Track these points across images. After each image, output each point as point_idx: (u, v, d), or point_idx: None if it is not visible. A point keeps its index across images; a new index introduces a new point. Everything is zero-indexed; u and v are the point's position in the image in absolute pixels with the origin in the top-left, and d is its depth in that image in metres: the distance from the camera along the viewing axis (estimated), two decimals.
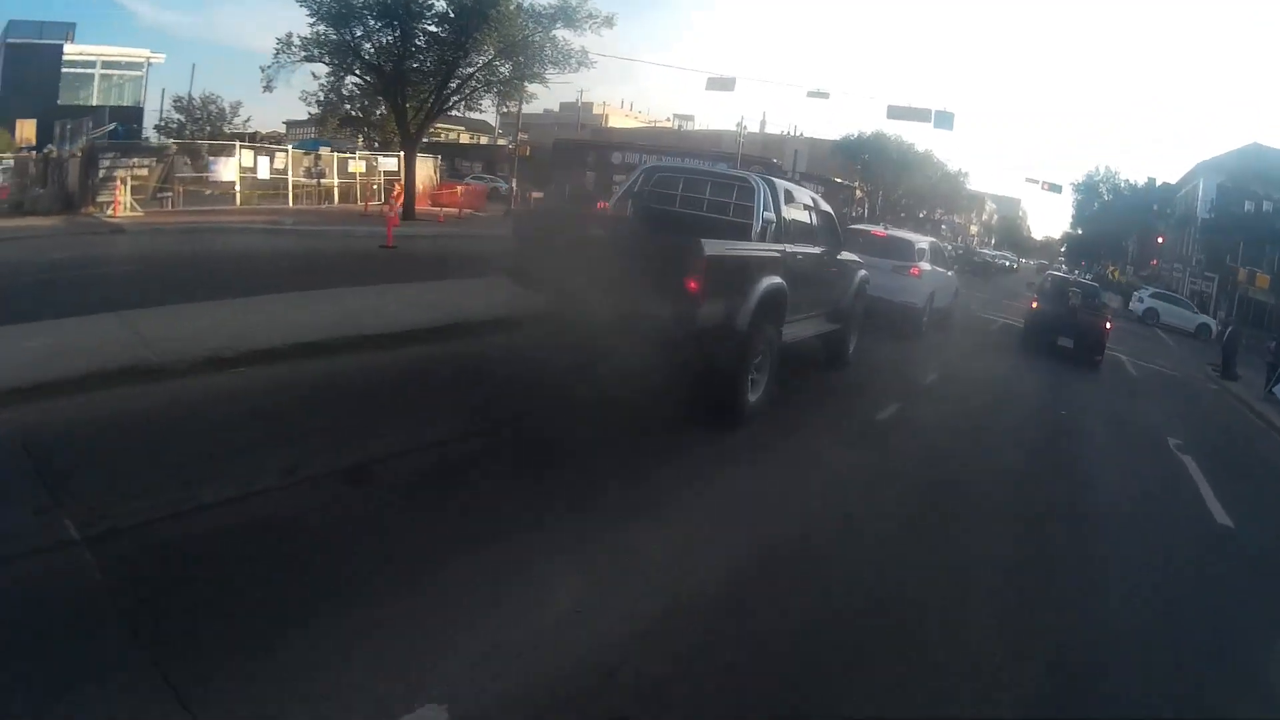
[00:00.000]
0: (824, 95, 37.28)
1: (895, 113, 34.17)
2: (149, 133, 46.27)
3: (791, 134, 67.74)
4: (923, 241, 18.84)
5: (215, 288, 12.08)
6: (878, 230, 18.84)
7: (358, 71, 32.77)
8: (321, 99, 35.03)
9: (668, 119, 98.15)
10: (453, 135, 77.22)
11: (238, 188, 32.81)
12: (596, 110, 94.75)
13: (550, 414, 8.41)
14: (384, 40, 31.23)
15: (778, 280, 8.80)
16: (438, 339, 10.69)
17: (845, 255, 12.14)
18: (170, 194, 30.14)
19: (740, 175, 10.31)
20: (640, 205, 10.54)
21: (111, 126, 37.08)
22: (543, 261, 8.70)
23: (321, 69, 32.47)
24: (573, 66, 33.67)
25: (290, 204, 34.75)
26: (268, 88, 32.50)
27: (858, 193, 75.47)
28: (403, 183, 34.55)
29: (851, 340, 13.01)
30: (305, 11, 29.59)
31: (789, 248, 9.43)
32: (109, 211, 26.73)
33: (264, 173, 35.44)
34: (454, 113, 37.44)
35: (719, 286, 7.74)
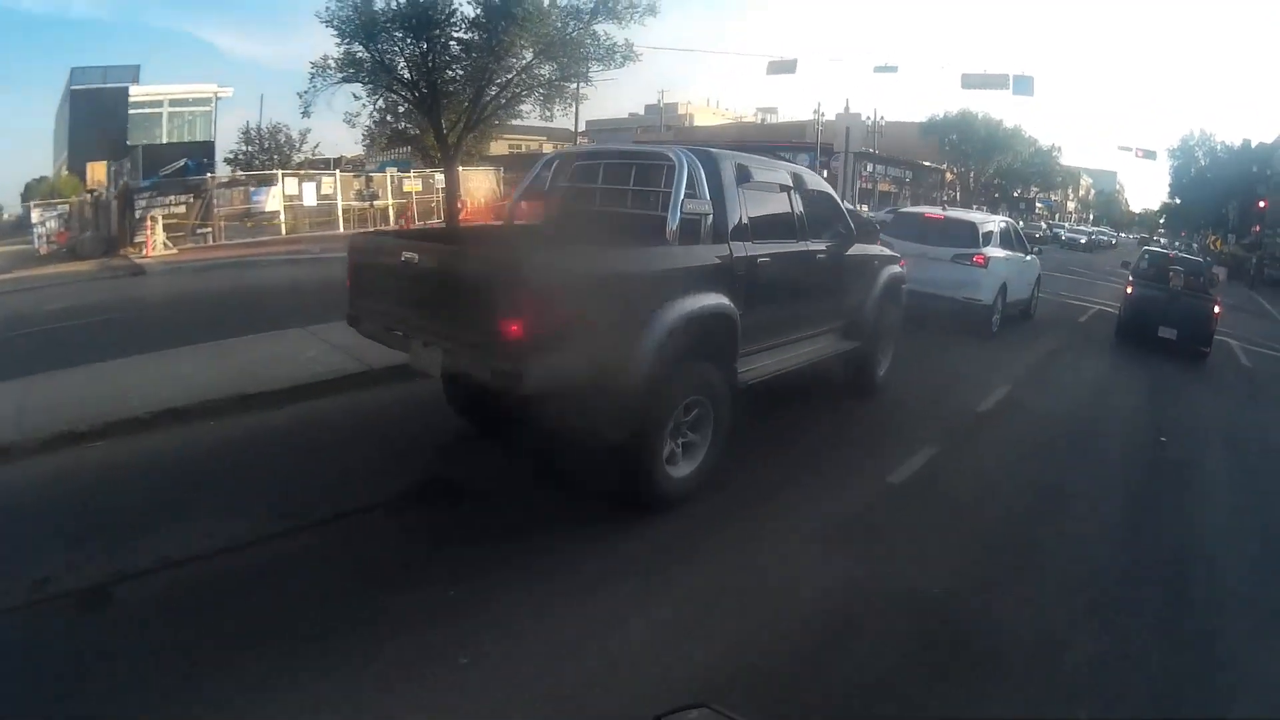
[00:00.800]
0: (892, 69, 33.84)
1: (970, 82, 30.82)
2: (221, 166, 46.08)
3: (873, 118, 64.22)
4: (990, 223, 15.54)
5: (157, 338, 10.86)
6: (932, 212, 15.73)
7: (393, 88, 31.36)
8: (365, 120, 34.08)
9: (754, 113, 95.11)
10: (534, 145, 75.61)
11: (282, 217, 31.73)
12: (682, 110, 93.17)
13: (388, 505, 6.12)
14: (415, 52, 29.68)
15: (716, 300, 6.18)
16: (341, 390, 8.83)
17: (864, 249, 9.19)
18: (209, 229, 29.22)
19: (656, 152, 7.43)
20: (553, 205, 8.09)
21: (181, 163, 36.60)
22: (369, 300, 6.32)
23: (361, 89, 31.02)
24: (617, 62, 31.78)
25: (341, 229, 33.37)
26: (305, 113, 31.85)
27: (948, 175, 71.62)
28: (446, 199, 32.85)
29: (882, 360, 10.09)
30: (332, 31, 28.24)
31: (748, 247, 6.73)
32: (143, 252, 26.29)
33: (310, 199, 34.70)
34: (516, 120, 35.67)
35: (572, 324, 5.12)
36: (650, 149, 8.60)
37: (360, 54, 29.10)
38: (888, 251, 10.11)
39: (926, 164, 68.03)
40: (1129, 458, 9.10)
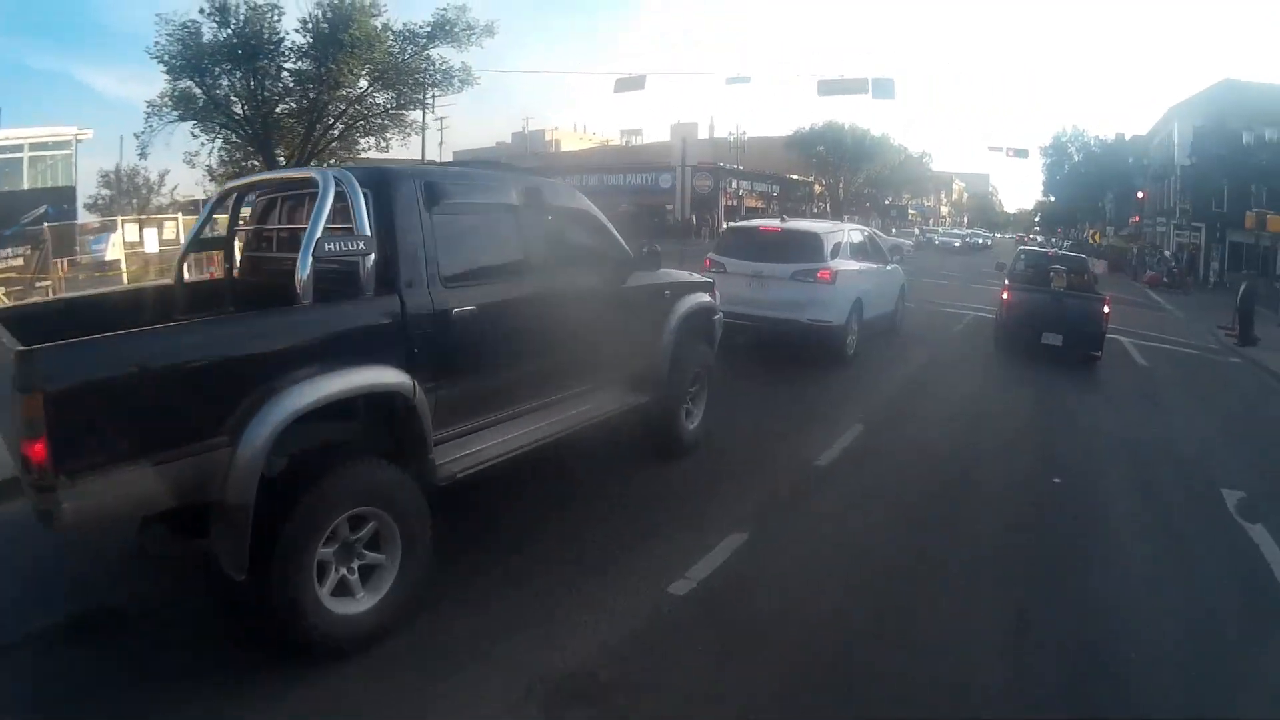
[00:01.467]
0: (745, 80, 32.08)
1: (827, 88, 29.19)
2: (81, 212, 42.53)
3: (735, 133, 63.29)
4: (837, 232, 13.39)
5: None
6: (768, 225, 13.54)
7: (227, 125, 29.38)
8: (205, 160, 32.37)
9: (619, 135, 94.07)
10: None
11: (123, 265, 29.14)
12: (548, 136, 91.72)
13: None
14: (244, 86, 27.65)
15: (377, 375, 4.54)
16: None
17: (648, 280, 7.30)
18: (49, 282, 26.42)
19: (305, 177, 5.60)
20: (231, 256, 6.41)
21: (41, 210, 33.71)
22: None
23: (199, 128, 29.51)
24: (456, 87, 30.59)
25: (186, 275, 31.06)
26: (142, 154, 30.26)
27: (817, 187, 71.18)
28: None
29: (693, 410, 8.09)
30: (162, 68, 26.99)
31: (440, 296, 5.00)
32: None
33: (152, 245, 32.00)
34: (365, 153, 33.62)
35: (127, 437, 3.63)
36: (304, 172, 6.44)
37: (192, 90, 27.85)
38: (688, 277, 8.23)
39: (795, 177, 67.02)
40: (1014, 515, 7.05)
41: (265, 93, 27.93)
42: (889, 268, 14.92)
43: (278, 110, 29.25)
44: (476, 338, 5.20)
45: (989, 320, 17.42)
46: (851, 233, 13.86)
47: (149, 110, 28.01)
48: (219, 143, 30.99)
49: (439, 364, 4.90)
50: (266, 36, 26.59)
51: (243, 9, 26.03)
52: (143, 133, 29.00)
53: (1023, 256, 17.90)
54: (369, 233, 4.72)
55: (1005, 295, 15.09)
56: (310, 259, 4.47)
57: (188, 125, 29.34)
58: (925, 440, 8.86)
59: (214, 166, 34.03)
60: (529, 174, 6.54)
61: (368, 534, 4.47)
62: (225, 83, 27.53)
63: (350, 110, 29.35)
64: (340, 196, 4.78)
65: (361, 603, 4.44)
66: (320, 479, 4.20)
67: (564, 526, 6.07)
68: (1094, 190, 67.75)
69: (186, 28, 26.03)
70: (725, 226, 16.77)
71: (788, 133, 68.62)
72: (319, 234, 4.58)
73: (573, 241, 6.59)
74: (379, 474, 4.46)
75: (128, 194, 51.43)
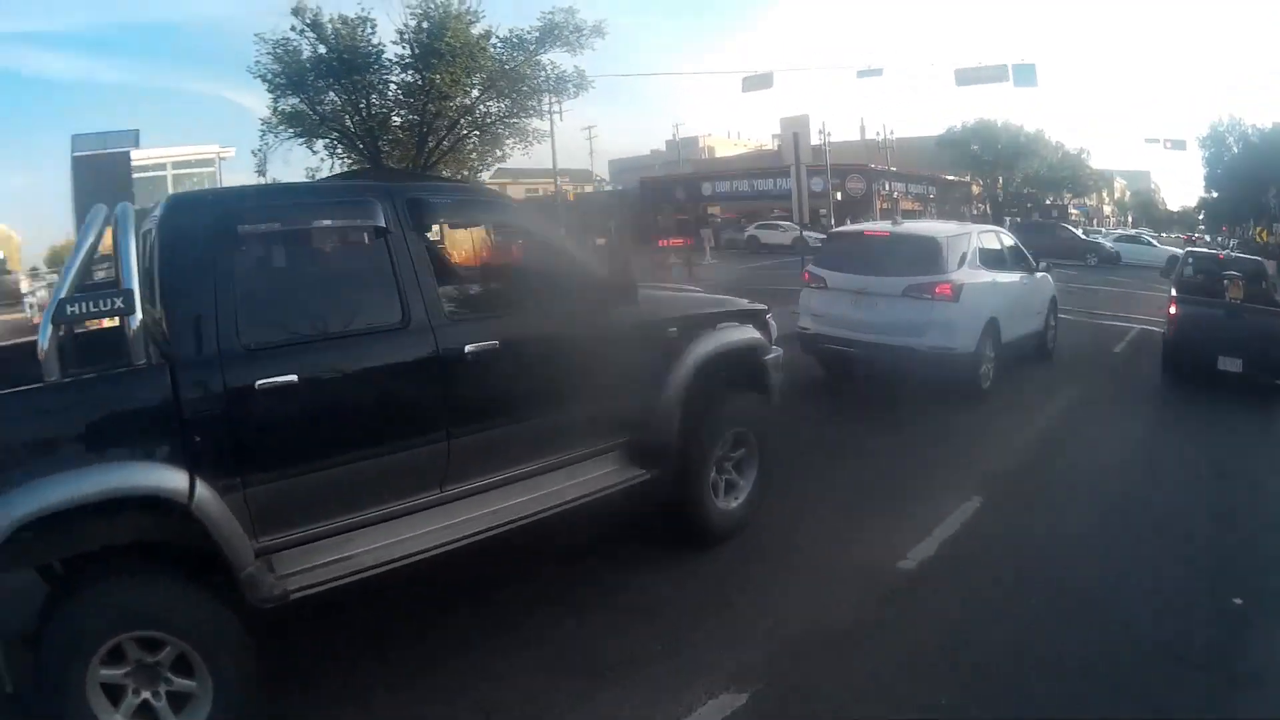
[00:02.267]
0: (876, 73, 29.55)
1: (965, 77, 26.33)
2: None
3: (883, 132, 60.03)
4: (964, 235, 10.55)
5: None
6: (876, 229, 11.03)
7: (337, 139, 28.92)
8: (327, 175, 32.24)
9: (771, 140, 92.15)
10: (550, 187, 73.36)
11: None
12: (702, 143, 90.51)
13: None
14: (351, 100, 27.01)
15: (141, 477, 3.45)
16: None
17: (649, 311, 5.36)
18: None
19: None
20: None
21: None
22: None
23: (319, 146, 28.94)
24: (570, 92, 29.22)
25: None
26: (260, 171, 30.09)
27: (974, 188, 66.68)
28: None
29: (736, 483, 6.00)
30: (265, 85, 26.52)
31: (238, 370, 3.72)
32: None
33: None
34: (494, 165, 32.95)
35: None
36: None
37: (299, 107, 27.37)
38: (718, 306, 6.12)
39: (950, 178, 62.72)
40: (1169, 667, 4.39)
41: (371, 107, 27.12)
42: (1035, 276, 11.78)
43: (392, 123, 28.56)
44: (308, 416, 3.90)
45: (1157, 335, 13.92)
46: (983, 236, 10.92)
47: (263, 128, 27.50)
48: (338, 158, 30.70)
49: (243, 454, 3.68)
50: (362, 50, 25.78)
51: (335, 25, 25.30)
52: (259, 150, 28.25)
53: (1191, 261, 14.35)
54: (134, 284, 3.62)
55: (1172, 309, 11.74)
56: (49, 326, 3.50)
57: (312, 143, 29.12)
58: (1059, 529, 6.17)
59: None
60: (426, 184, 5.24)
61: (168, 658, 3.49)
62: (331, 98, 26.93)
63: (462, 121, 28.17)
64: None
65: None
66: (73, 597, 3.44)
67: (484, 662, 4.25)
68: (1256, 184, 60.60)
69: (282, 45, 25.55)
70: (828, 232, 14.12)
71: (939, 131, 65.14)
72: (64, 292, 3.66)
73: (496, 271, 5.60)
74: (155, 593, 3.50)
75: None
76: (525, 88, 27.92)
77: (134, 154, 47.90)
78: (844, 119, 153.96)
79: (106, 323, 4.42)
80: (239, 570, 3.62)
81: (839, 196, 47.30)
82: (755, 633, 4.66)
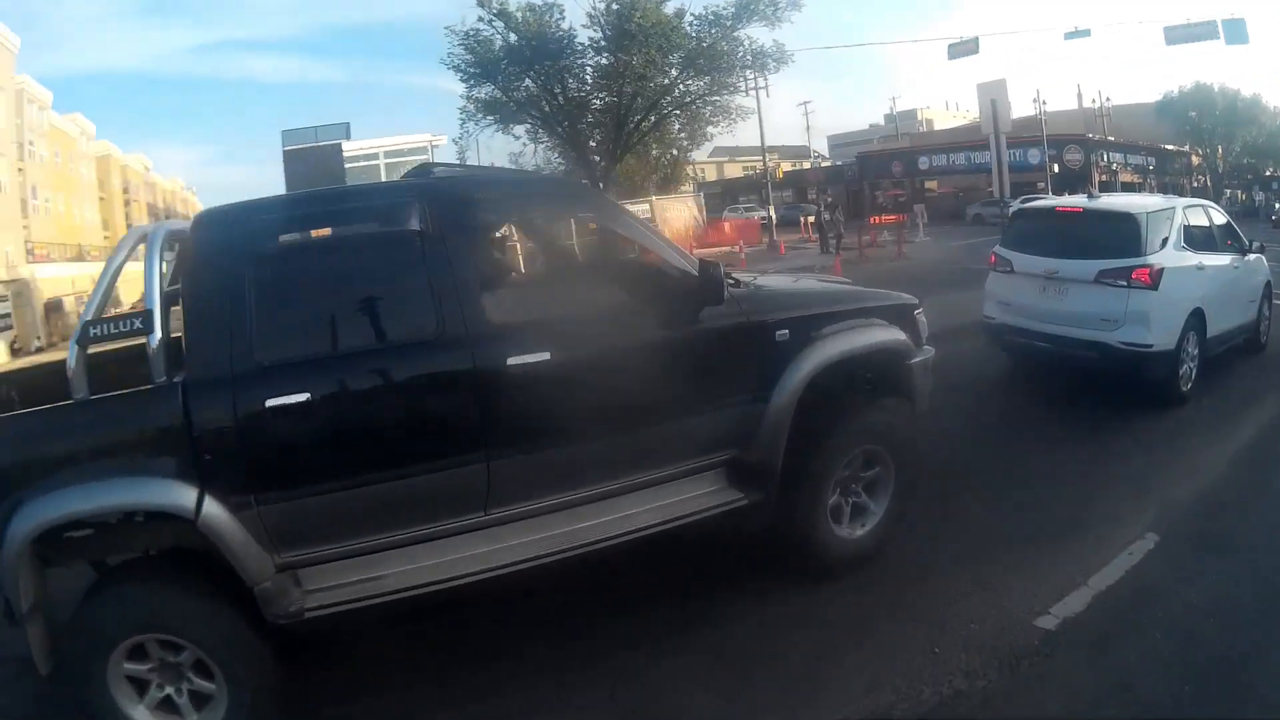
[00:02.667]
0: (1085, 34, 26.90)
1: (1173, 35, 23.75)
2: None
3: (1099, 99, 55.29)
4: (1165, 211, 8.79)
5: None
6: (1068, 205, 9.61)
7: (538, 125, 29.36)
8: (531, 160, 33.37)
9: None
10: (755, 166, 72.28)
11: None
12: (921, 115, 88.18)
13: None
14: (546, 86, 27.33)
15: (150, 493, 3.56)
16: None
17: (747, 310, 4.71)
18: None
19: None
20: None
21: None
22: None
23: (520, 131, 30.09)
24: (771, 67, 28.43)
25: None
26: (461, 159, 31.14)
27: (1194, 158, 60.32)
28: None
29: (866, 508, 5.24)
30: (459, 75, 27.32)
31: (254, 391, 3.68)
32: None
33: None
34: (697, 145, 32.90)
35: None
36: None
37: (494, 95, 27.94)
38: (846, 301, 5.33)
39: (1169, 148, 56.97)
40: None
41: (568, 91, 27.10)
42: (1248, 258, 9.85)
43: (591, 106, 28.61)
44: (324, 434, 3.77)
45: None
46: (1189, 211, 9.17)
47: (462, 117, 28.25)
48: (539, 142, 31.22)
49: (256, 472, 3.65)
50: (552, 35, 25.79)
51: (523, 13, 25.49)
52: (460, 138, 29.58)
53: None
54: (156, 304, 3.69)
55: None
56: (76, 346, 3.60)
57: (511, 129, 29.75)
58: (1253, 589, 4.79)
59: (541, 167, 34.77)
60: (467, 178, 4.77)
61: (188, 660, 3.65)
62: (526, 84, 27.10)
63: (663, 101, 27.82)
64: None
65: None
66: (95, 596, 3.68)
67: None
68: None
69: (472, 36, 25.99)
70: (1015, 206, 12.52)
71: (1156, 98, 59.89)
72: (91, 314, 3.78)
73: (558, 273, 5.23)
74: (170, 599, 3.62)
75: None
76: (724, 65, 27.11)
77: (346, 146, 49.58)
78: (1058, 87, 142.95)
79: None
80: (253, 584, 3.62)
81: (1056, 169, 43.88)
82: (829, 696, 3.96)
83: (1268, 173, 63.01)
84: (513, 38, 26.03)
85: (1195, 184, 58.12)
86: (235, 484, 3.59)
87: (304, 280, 4.05)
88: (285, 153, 49.52)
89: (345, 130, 51.58)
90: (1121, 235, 8.30)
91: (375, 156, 51.40)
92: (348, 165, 49.36)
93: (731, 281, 4.70)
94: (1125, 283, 8.02)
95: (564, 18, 25.96)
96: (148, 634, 3.58)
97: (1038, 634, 4.41)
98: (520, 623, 4.66)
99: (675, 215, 41.29)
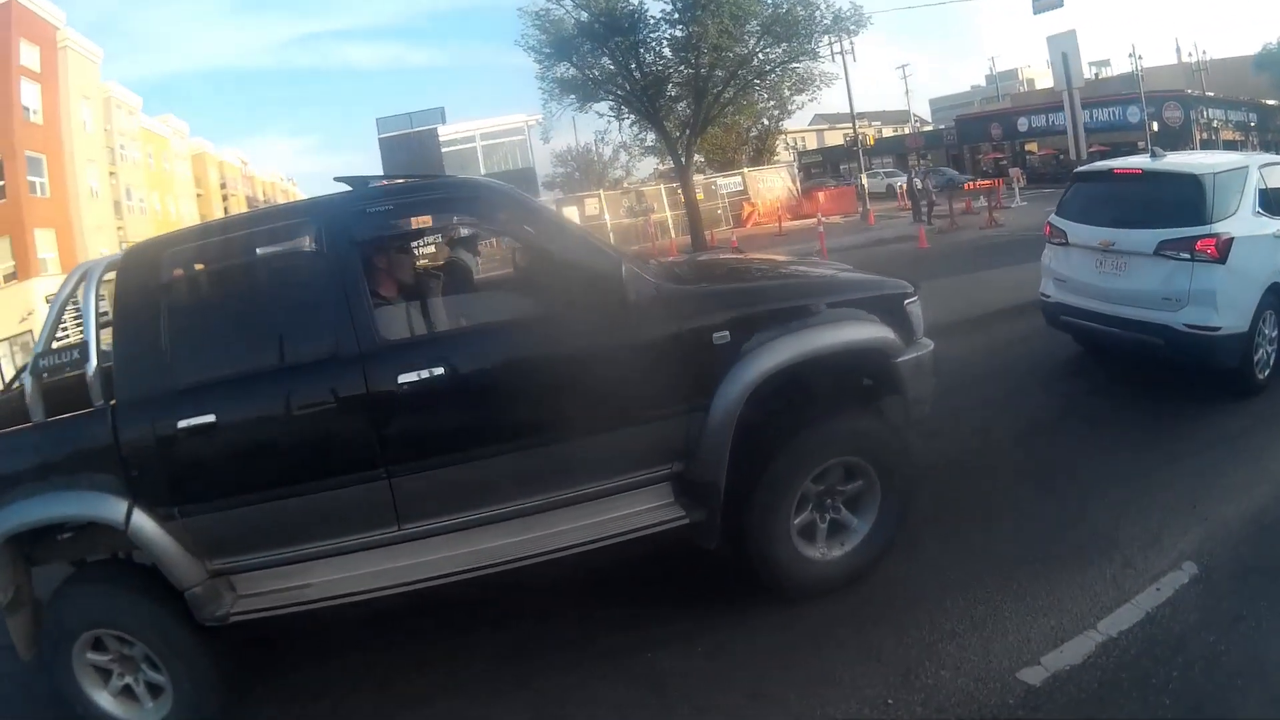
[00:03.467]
0: None
1: None
2: (543, 192, 46.85)
3: (1196, 53, 51.86)
4: (1236, 171, 7.36)
5: None
6: (1126, 166, 8.32)
7: (619, 102, 28.93)
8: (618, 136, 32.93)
9: (1088, 68, 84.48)
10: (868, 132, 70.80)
11: None
12: (1022, 75, 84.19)
13: None
14: (622, 62, 26.86)
15: (84, 506, 3.96)
16: None
17: (683, 310, 4.31)
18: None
19: None
20: None
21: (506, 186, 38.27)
22: None
23: (603, 108, 29.55)
24: (850, 30, 27.31)
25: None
26: (545, 139, 31.20)
27: None
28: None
29: (847, 525, 4.69)
30: (531, 56, 27.12)
31: (169, 410, 3.93)
32: None
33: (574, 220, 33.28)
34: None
35: None
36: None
37: (569, 73, 27.57)
38: (796, 294, 4.68)
39: (1271, 103, 52.76)
40: None
41: (643, 66, 26.28)
42: None
43: (670, 79, 27.91)
44: (231, 453, 3.96)
45: None
46: (1266, 171, 7.66)
47: (543, 97, 27.89)
48: (622, 118, 30.73)
49: (177, 487, 3.91)
50: (623, 10, 25.04)
51: None
52: (542, 120, 29.64)
53: None
54: (92, 336, 4.03)
55: None
56: (30, 377, 4.10)
57: (596, 106, 29.31)
58: None
59: (627, 142, 34.32)
60: (359, 193, 4.47)
61: (140, 653, 4.04)
62: (605, 61, 26.47)
63: (741, 71, 26.96)
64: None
65: None
66: (55, 595, 4.11)
67: None
68: None
69: (543, 16, 25.51)
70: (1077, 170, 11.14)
71: (1254, 50, 55.39)
72: (42, 346, 4.34)
73: (460, 284, 5.08)
74: (112, 599, 4.06)
75: (584, 171, 53.79)
76: (802, 31, 26.09)
77: (441, 130, 49.23)
78: (1154, 43, 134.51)
79: None
80: (183, 589, 3.90)
81: (1155, 127, 41.17)
82: None
83: None
84: (584, 15, 25.38)
85: None
86: (160, 497, 3.88)
87: (212, 306, 4.26)
88: (381, 140, 50.10)
89: (440, 115, 51.12)
90: (1184, 200, 7.12)
91: (472, 139, 51.37)
92: (444, 150, 49.30)
93: (664, 278, 4.39)
94: (1189, 255, 6.89)
95: None
96: (101, 629, 4.01)
97: (1018, 690, 3.62)
98: (458, 637, 4.61)
99: (767, 186, 40.40)
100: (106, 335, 4.18)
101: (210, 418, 3.84)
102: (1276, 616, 3.96)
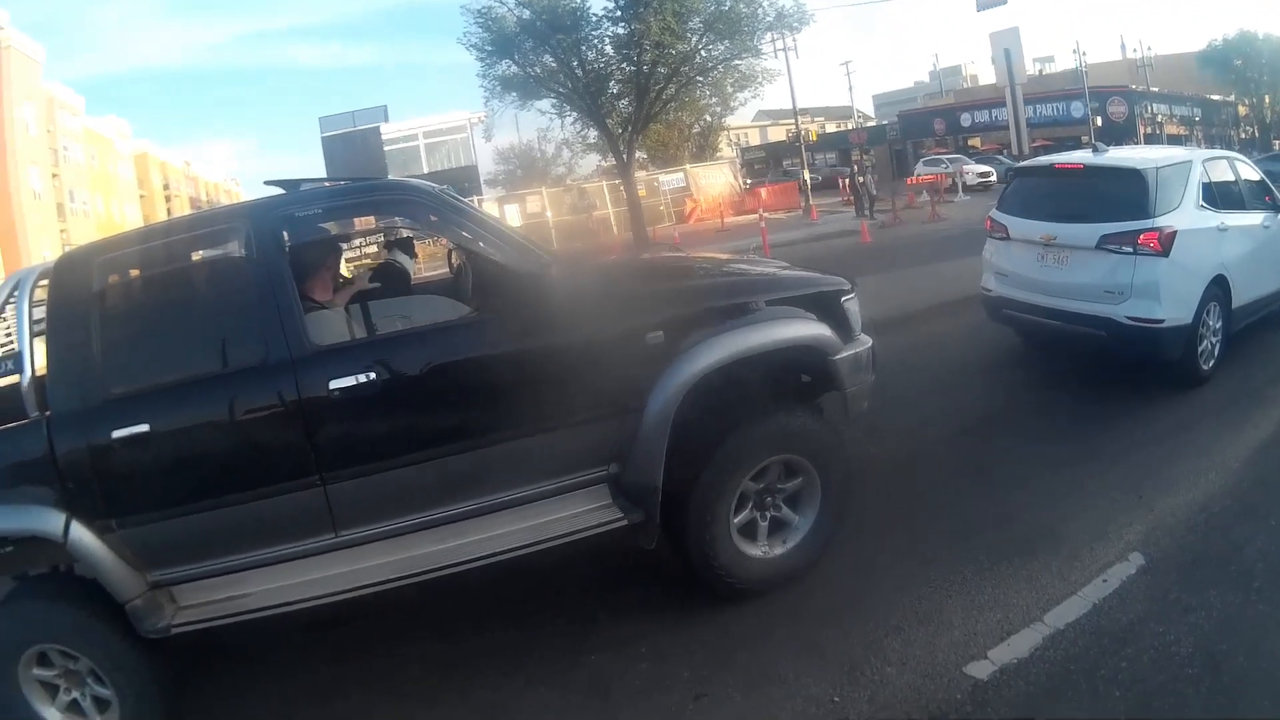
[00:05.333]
0: None
1: None
2: (486, 190, 46.74)
3: (1140, 49, 53.84)
4: (1179, 165, 7.56)
5: None
6: (1068, 161, 8.40)
7: (561, 100, 28.94)
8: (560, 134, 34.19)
9: (1031, 64, 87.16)
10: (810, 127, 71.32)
11: None
12: (966, 71, 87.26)
13: None
14: (564, 60, 26.73)
15: (15, 519, 3.90)
16: None
17: (607, 311, 4.27)
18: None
19: None
20: None
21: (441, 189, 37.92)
22: None
23: (546, 105, 29.27)
24: (793, 27, 27.52)
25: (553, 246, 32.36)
26: (488, 137, 30.84)
27: (1240, 109, 58.20)
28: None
29: (790, 524, 4.67)
30: (474, 54, 26.86)
31: (108, 418, 3.89)
32: None
33: (514, 219, 33.20)
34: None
35: None
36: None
37: (511, 71, 27.40)
38: (728, 293, 4.70)
39: (1215, 98, 54.89)
40: None
41: (585, 64, 26.27)
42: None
43: (612, 76, 27.89)
44: (165, 462, 3.91)
45: None
46: (1210, 165, 7.91)
47: (485, 94, 27.70)
48: (568, 118, 30.64)
49: (113, 498, 3.84)
50: (565, 7, 24.96)
51: None
52: (484, 118, 29.89)
53: None
54: (26, 346, 4.00)
55: None
56: None
57: (539, 104, 29.14)
58: (1254, 626, 3.84)
59: (569, 140, 34.17)
60: (288, 196, 4.39)
61: (85, 667, 3.91)
62: (547, 59, 26.39)
63: (683, 68, 27.00)
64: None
65: None
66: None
67: None
68: None
69: (485, 14, 25.31)
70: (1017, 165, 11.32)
71: (1200, 47, 58.07)
72: None
73: (393, 287, 5.36)
74: (54, 613, 3.95)
75: (526, 168, 53.48)
76: (745, 27, 26.19)
77: (384, 129, 49.09)
78: (1099, 39, 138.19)
79: None
80: (123, 601, 3.83)
81: (1099, 122, 42.28)
82: None
83: None
84: (526, 13, 25.27)
85: (1243, 135, 56.16)
86: (97, 509, 3.81)
87: (143, 313, 4.24)
88: (324, 139, 49.50)
89: (383, 113, 50.90)
90: (1127, 194, 7.21)
91: (414, 138, 51.09)
92: (387, 148, 48.82)
93: (597, 279, 4.56)
94: (1131, 249, 6.96)
95: None
96: (45, 644, 3.89)
97: (965, 685, 3.58)
98: (399, 646, 4.51)
99: (710, 183, 40.55)
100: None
101: (144, 427, 3.80)
102: (1225, 606, 3.97)
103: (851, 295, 4.84)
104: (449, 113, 52.09)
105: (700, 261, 6.43)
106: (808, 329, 4.50)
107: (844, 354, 4.61)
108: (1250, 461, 5.69)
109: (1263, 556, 4.39)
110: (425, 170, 46.73)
